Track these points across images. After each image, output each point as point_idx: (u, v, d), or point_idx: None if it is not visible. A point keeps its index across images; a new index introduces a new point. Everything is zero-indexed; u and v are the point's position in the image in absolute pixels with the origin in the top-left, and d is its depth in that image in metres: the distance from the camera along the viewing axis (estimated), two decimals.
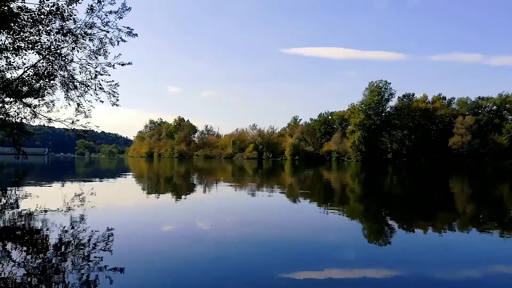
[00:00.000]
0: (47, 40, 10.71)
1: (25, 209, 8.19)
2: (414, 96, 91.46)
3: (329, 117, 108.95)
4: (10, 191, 12.34)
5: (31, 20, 10.12)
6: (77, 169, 34.28)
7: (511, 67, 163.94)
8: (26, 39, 10.36)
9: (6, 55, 10.56)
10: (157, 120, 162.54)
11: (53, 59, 11.13)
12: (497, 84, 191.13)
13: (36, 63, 11.02)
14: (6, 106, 11.35)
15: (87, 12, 10.71)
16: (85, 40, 11.06)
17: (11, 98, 11.23)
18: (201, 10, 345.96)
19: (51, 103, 11.81)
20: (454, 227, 7.32)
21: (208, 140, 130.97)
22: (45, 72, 11.20)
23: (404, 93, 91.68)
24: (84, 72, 11.48)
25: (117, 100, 11.83)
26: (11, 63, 10.78)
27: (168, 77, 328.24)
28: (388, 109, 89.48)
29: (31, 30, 10.31)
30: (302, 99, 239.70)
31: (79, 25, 10.80)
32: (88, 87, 11.62)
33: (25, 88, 11.18)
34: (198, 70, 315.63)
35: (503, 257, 5.20)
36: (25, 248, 5.05)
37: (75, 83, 11.60)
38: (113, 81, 11.70)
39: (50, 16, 10.25)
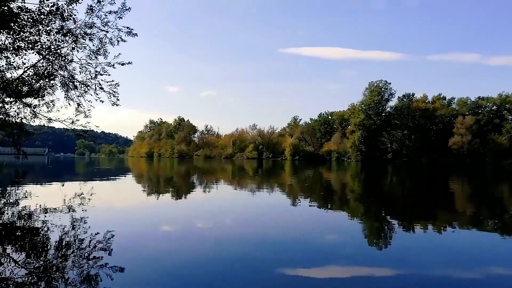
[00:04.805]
0: (47, 40, 10.69)
1: (26, 209, 8.19)
2: (414, 96, 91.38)
3: (329, 117, 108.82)
4: (10, 191, 12.35)
5: (31, 20, 10.11)
6: (77, 169, 34.28)
7: (510, 67, 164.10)
8: (26, 39, 10.34)
9: (6, 55, 10.54)
10: (157, 120, 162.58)
11: (53, 59, 11.11)
12: (496, 84, 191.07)
13: (36, 63, 11.01)
14: (6, 106, 11.34)
15: (87, 12, 10.69)
16: (85, 40, 11.04)
17: (11, 98, 11.21)
18: (201, 10, 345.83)
19: (51, 103, 11.79)
20: (454, 227, 7.32)
21: (208, 140, 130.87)
22: (45, 72, 11.18)
23: (404, 93, 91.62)
24: (84, 72, 11.46)
25: (117, 100, 11.82)
26: (11, 63, 10.76)
27: (167, 77, 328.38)
28: (388, 109, 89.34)
29: (31, 30, 10.29)
30: (302, 99, 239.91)
31: (79, 25, 10.78)
32: (88, 87, 11.61)
33: (25, 88, 11.16)
34: (198, 70, 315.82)
35: (503, 256, 5.20)
36: (25, 248, 5.05)
37: (75, 83, 11.59)
38: (113, 81, 11.69)
39: (50, 16, 10.23)
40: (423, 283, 3.99)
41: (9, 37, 10.17)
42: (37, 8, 10.04)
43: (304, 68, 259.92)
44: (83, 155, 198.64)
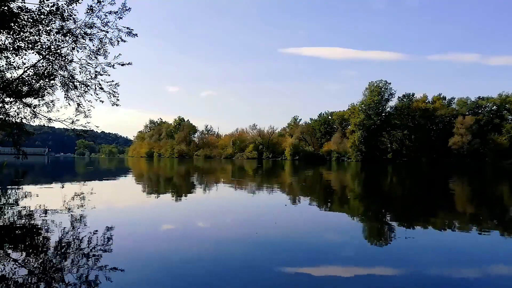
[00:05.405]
0: (47, 40, 10.70)
1: (25, 209, 8.19)
2: (414, 96, 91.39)
3: (329, 117, 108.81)
4: (10, 191, 12.35)
5: (31, 20, 10.11)
6: (77, 169, 34.28)
7: (510, 67, 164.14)
8: (26, 39, 10.35)
9: (6, 55, 10.55)
10: (157, 120, 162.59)
11: (53, 59, 11.12)
12: (496, 84, 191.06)
13: (36, 63, 11.02)
14: (6, 106, 11.35)
15: (87, 12, 10.70)
16: (85, 40, 11.05)
17: (11, 98, 11.22)
18: (201, 10, 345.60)
19: (51, 103, 11.81)
20: (454, 227, 7.33)
21: (208, 140, 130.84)
22: (45, 72, 11.19)
23: (404, 93, 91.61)
24: (84, 72, 11.48)
25: (117, 100, 11.84)
26: (11, 63, 10.77)
27: (167, 77, 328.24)
28: (388, 109, 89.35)
29: (31, 30, 10.30)
30: (302, 99, 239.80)
31: (79, 25, 10.80)
32: (88, 87, 11.62)
33: (25, 88, 11.17)
34: (198, 70, 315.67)
35: (503, 256, 5.20)
36: (25, 248, 5.05)
37: (75, 83, 11.60)
38: (113, 81, 11.70)
39: (50, 16, 10.24)
40: (423, 283, 3.99)
41: (9, 37, 10.18)
42: (37, 8, 10.06)
43: (304, 68, 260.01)
44: (83, 155, 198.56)
